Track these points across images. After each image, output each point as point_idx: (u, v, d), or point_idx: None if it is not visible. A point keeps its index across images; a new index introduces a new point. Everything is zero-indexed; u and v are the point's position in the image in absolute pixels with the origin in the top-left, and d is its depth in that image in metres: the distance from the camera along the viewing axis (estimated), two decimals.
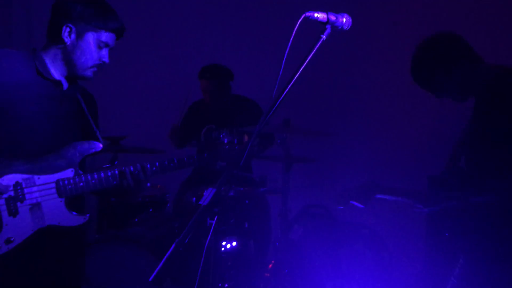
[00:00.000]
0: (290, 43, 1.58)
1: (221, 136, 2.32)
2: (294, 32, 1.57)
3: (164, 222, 3.25)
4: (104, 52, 2.05)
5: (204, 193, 1.37)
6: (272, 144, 3.65)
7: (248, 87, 4.01)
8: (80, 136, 2.09)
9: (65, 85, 2.08)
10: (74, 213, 2.02)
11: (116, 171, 2.06)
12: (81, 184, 2.01)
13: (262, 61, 4.11)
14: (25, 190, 1.95)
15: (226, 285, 3.02)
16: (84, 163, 2.08)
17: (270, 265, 3.28)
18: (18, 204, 1.95)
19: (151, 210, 3.43)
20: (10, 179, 1.94)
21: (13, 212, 1.95)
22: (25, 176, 1.96)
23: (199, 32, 4.37)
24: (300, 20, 1.56)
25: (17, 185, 1.94)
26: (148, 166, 2.09)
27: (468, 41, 2.12)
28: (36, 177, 1.97)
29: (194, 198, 3.25)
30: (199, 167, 3.85)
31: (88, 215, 2.05)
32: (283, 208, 3.20)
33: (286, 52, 1.59)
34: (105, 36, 2.03)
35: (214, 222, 1.34)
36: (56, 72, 2.05)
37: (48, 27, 2.04)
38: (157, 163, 2.11)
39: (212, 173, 3.57)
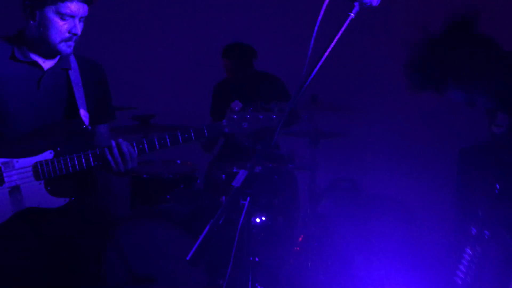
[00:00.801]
0: (318, 21, 1.57)
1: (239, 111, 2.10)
2: (322, 10, 1.56)
3: (195, 198, 3.32)
4: (71, 23, 1.96)
5: (237, 175, 1.39)
6: (297, 121, 3.65)
7: (275, 64, 4.00)
8: (61, 116, 2.05)
9: (48, 64, 2.04)
10: (53, 195, 2.00)
11: (98, 151, 1.99)
12: (60, 166, 1.98)
13: (289, 38, 4.07)
14: (4, 174, 1.97)
15: (257, 259, 3.08)
16: (75, 143, 2.02)
17: (300, 239, 3.32)
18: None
19: (182, 186, 3.49)
20: None
21: None
22: (4, 160, 1.98)
23: (226, 9, 4.34)
24: None
25: None
26: (135, 144, 2.00)
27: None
28: (15, 160, 1.98)
29: (223, 175, 3.30)
30: (227, 142, 3.90)
31: (72, 198, 2.01)
32: (311, 183, 3.23)
33: (315, 31, 1.58)
34: (64, 7, 1.93)
35: (246, 203, 1.37)
36: (36, 52, 2.02)
37: (21, 8, 2.01)
38: (144, 141, 2.01)
39: (240, 150, 3.62)
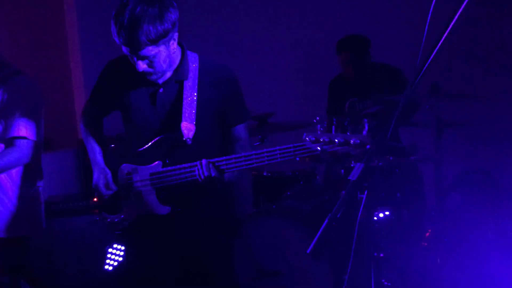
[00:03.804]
0: (432, 5, 1.51)
1: (367, 106, 2.02)
2: None
3: (315, 194, 3.35)
4: (136, 61, 2.01)
5: (353, 168, 1.39)
6: (416, 112, 3.49)
7: (390, 53, 3.87)
8: (169, 128, 2.11)
9: (164, 77, 2.11)
10: (162, 203, 2.11)
11: (187, 167, 2.03)
12: (165, 177, 2.07)
13: (403, 24, 3.92)
14: (133, 179, 2.14)
15: (382, 254, 3.01)
16: (179, 155, 2.08)
17: (427, 234, 3.18)
18: (129, 190, 2.16)
19: (301, 183, 3.55)
20: (125, 167, 2.17)
21: (127, 197, 2.17)
22: (133, 166, 2.15)
23: (338, 2, 4.30)
24: None
25: (129, 173, 2.16)
26: (224, 162, 1.98)
27: None
28: (139, 167, 2.13)
29: (342, 170, 3.28)
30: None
31: (171, 207, 2.10)
32: (437, 176, 3.07)
33: (429, 15, 1.52)
34: (123, 49, 2.00)
35: (364, 197, 1.36)
36: None
37: None
38: (224, 159, 1.98)
39: None
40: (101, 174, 2.21)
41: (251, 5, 4.57)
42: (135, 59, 2.01)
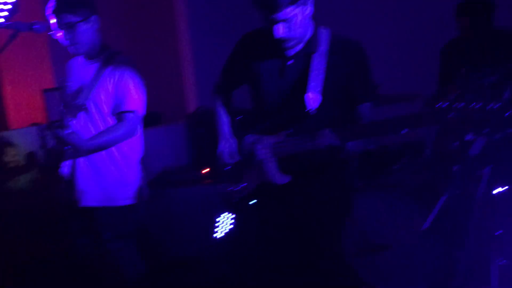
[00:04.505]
0: None
1: (484, 76, 1.84)
2: None
3: (424, 168, 3.22)
4: (274, 26, 2.03)
5: (474, 142, 1.31)
6: None
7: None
8: (295, 99, 2.11)
9: (295, 49, 2.12)
10: (282, 172, 2.14)
11: (306, 137, 2.04)
12: (287, 147, 2.09)
13: None
14: (256, 147, 2.19)
15: (501, 231, 2.84)
16: (305, 126, 2.09)
17: None
18: (252, 159, 2.21)
19: (408, 156, 3.43)
20: (249, 137, 2.24)
21: (249, 165, 2.24)
22: (258, 136, 2.21)
23: None
24: None
25: (252, 143, 2.22)
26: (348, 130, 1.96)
27: None
28: (264, 137, 2.18)
29: (455, 143, 3.10)
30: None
31: (291, 176, 2.11)
32: None
33: None
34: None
35: (486, 173, 1.28)
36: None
37: None
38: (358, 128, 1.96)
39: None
40: (226, 144, 2.33)
41: None
42: (272, 24, 2.04)
